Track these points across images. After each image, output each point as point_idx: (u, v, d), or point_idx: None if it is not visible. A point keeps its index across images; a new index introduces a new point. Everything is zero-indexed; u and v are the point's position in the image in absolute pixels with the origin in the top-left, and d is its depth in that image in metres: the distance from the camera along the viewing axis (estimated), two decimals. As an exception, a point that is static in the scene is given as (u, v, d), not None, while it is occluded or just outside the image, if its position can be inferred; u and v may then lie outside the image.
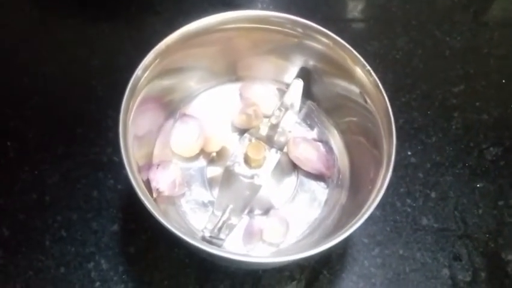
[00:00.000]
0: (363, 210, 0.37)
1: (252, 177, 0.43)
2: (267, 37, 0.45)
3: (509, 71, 0.65)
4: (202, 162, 0.48)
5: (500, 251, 0.52)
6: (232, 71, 0.48)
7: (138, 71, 0.38)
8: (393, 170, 0.38)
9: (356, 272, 0.50)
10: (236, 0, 0.68)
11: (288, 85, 0.48)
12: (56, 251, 0.48)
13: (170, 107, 0.48)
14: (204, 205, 0.45)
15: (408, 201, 0.54)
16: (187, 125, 0.45)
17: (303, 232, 0.45)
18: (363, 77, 0.42)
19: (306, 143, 0.47)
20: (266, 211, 0.45)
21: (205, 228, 0.42)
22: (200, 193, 0.46)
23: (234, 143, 0.47)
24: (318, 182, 0.48)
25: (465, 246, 0.52)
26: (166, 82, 0.44)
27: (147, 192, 0.37)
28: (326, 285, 0.48)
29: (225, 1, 0.67)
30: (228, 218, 0.43)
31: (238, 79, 0.50)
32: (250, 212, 0.45)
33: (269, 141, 0.45)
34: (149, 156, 0.45)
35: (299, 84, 0.48)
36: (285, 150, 0.47)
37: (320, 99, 0.49)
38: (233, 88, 0.50)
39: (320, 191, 0.47)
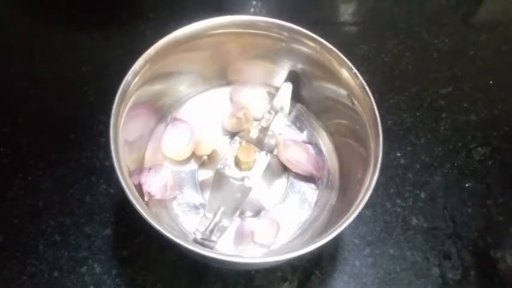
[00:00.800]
0: (351, 210, 0.37)
1: (242, 179, 0.44)
2: (255, 42, 0.45)
3: (495, 73, 0.66)
4: (193, 165, 0.48)
5: (489, 249, 0.53)
6: (223, 75, 0.49)
7: (128, 76, 0.39)
8: (382, 171, 0.39)
9: (347, 272, 0.50)
10: (227, 5, 0.69)
11: (277, 88, 0.49)
12: (50, 256, 0.48)
13: (161, 111, 0.48)
14: (196, 208, 0.46)
15: (398, 201, 0.55)
16: (178, 129, 0.46)
17: (294, 233, 0.45)
18: (349, 79, 0.42)
19: (295, 145, 0.48)
20: (257, 213, 0.46)
21: (197, 230, 0.43)
22: (191, 196, 0.46)
23: (224, 146, 0.47)
24: (308, 184, 0.48)
25: (454, 245, 0.53)
26: (156, 87, 0.44)
27: (138, 196, 0.37)
28: (317, 285, 0.49)
29: (216, 6, 0.68)
30: (220, 220, 0.43)
31: (228, 83, 0.51)
32: (241, 214, 0.45)
33: (259, 143, 0.45)
34: (141, 160, 0.46)
35: (288, 88, 0.48)
36: (275, 152, 0.47)
37: (309, 102, 0.50)
38: (223, 92, 0.51)
39: (310, 192, 0.48)
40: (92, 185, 0.52)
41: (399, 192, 0.55)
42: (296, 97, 0.49)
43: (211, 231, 0.42)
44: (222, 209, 0.43)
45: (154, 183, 0.42)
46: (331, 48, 0.43)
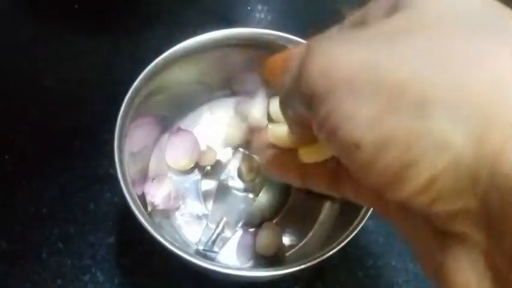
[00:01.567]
0: (354, 224, 0.37)
1: (245, 190, 0.44)
2: (260, 53, 0.46)
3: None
4: (196, 175, 0.48)
5: (492, 261, 0.52)
6: (227, 86, 0.49)
7: (134, 88, 0.39)
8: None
9: (350, 284, 0.50)
10: (231, 15, 0.69)
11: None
12: (53, 263, 0.49)
13: (165, 121, 0.48)
14: (198, 218, 0.46)
15: (401, 213, 0.54)
16: (181, 139, 0.46)
17: (297, 244, 0.45)
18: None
19: None
20: (259, 224, 0.46)
21: (199, 241, 0.43)
22: (194, 206, 0.47)
23: (228, 156, 0.47)
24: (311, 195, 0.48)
25: (457, 257, 0.52)
26: (161, 97, 0.45)
27: (142, 206, 0.37)
28: (319, 297, 0.49)
29: (221, 17, 0.68)
30: (222, 231, 0.43)
31: (232, 94, 0.51)
32: (244, 225, 0.45)
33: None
34: (145, 170, 0.46)
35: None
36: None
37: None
38: (228, 103, 0.51)
39: (313, 203, 0.48)
40: (96, 193, 0.52)
41: (402, 204, 0.55)
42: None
43: (214, 242, 0.43)
44: (225, 219, 0.43)
45: (158, 194, 0.43)
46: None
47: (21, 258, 0.49)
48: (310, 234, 0.46)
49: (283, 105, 0.22)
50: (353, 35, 0.19)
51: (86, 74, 0.61)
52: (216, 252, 0.43)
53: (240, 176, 0.44)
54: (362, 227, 0.37)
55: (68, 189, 0.52)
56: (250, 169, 0.43)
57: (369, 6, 0.21)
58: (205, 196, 0.47)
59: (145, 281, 0.48)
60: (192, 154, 0.46)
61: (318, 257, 0.35)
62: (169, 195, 0.44)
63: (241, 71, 0.48)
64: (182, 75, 0.45)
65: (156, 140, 0.47)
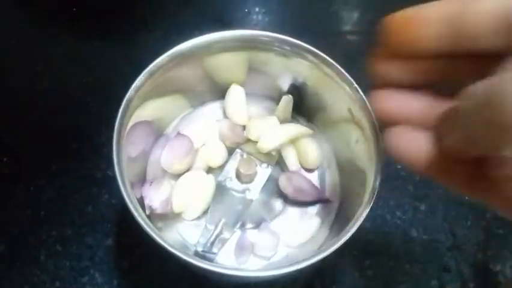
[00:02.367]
0: (351, 224, 0.38)
1: (243, 192, 0.44)
2: (256, 55, 0.46)
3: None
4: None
5: (488, 262, 0.53)
6: (224, 89, 0.49)
7: (131, 92, 0.39)
8: (382, 183, 0.39)
9: (347, 284, 0.50)
10: (228, 18, 0.69)
11: (278, 101, 0.50)
12: (51, 266, 0.49)
13: (163, 124, 0.48)
14: (197, 220, 0.46)
15: (398, 213, 0.55)
16: (177, 142, 0.46)
17: (294, 246, 0.45)
18: (350, 93, 0.43)
19: (296, 176, 0.47)
20: (257, 225, 0.46)
21: (198, 242, 0.43)
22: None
23: (225, 158, 0.47)
24: (309, 196, 0.49)
25: (454, 257, 0.53)
26: (158, 100, 0.45)
27: (140, 208, 0.37)
28: (317, 298, 0.49)
29: (217, 19, 0.69)
30: (221, 232, 0.43)
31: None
32: (242, 226, 0.46)
33: (260, 156, 0.46)
34: (143, 173, 0.46)
35: (289, 100, 0.49)
36: (275, 164, 0.48)
37: (310, 115, 0.50)
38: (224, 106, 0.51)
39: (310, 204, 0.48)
40: (93, 195, 0.53)
41: (399, 205, 0.55)
42: (297, 110, 0.50)
43: (212, 243, 0.43)
44: (223, 220, 0.43)
45: (156, 197, 0.42)
46: (331, 63, 0.43)
47: (19, 261, 0.49)
48: (308, 235, 0.46)
49: (447, 133, 0.22)
50: None
51: (83, 76, 0.61)
52: (214, 253, 0.43)
53: (238, 177, 0.45)
54: (360, 227, 0.37)
55: (66, 192, 0.53)
56: (248, 170, 0.44)
57: None
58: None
59: (143, 283, 0.48)
60: (186, 157, 0.46)
61: (316, 257, 0.35)
62: (167, 200, 0.44)
63: (238, 73, 0.48)
64: (179, 78, 0.45)
65: (154, 143, 0.47)
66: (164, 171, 0.46)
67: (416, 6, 0.26)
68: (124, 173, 0.38)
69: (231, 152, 0.47)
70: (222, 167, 0.46)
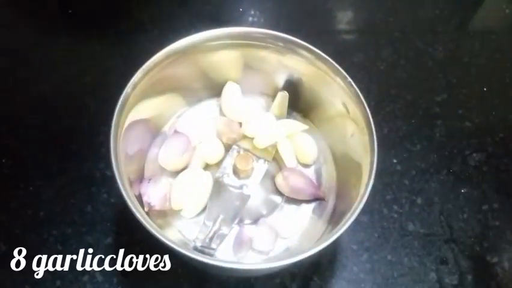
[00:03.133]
0: (348, 216, 0.38)
1: (241, 187, 0.45)
2: (252, 52, 0.46)
3: (489, 79, 0.67)
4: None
5: (485, 254, 0.53)
6: (220, 86, 0.50)
7: (127, 89, 0.40)
8: (379, 178, 0.39)
9: (346, 278, 0.51)
10: (224, 16, 0.70)
11: (274, 97, 0.50)
12: (52, 265, 0.49)
13: (160, 122, 0.49)
14: (195, 216, 0.46)
15: (395, 207, 0.55)
16: (175, 140, 0.46)
17: (292, 240, 0.46)
18: (345, 88, 0.43)
19: (293, 174, 0.48)
20: (255, 220, 0.46)
21: (197, 238, 0.43)
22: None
23: (222, 155, 0.48)
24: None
25: (451, 250, 0.53)
26: (155, 98, 0.45)
27: (139, 205, 0.38)
28: (316, 292, 0.50)
29: (213, 18, 0.69)
30: (219, 228, 0.44)
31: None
32: (240, 221, 0.46)
33: (257, 152, 0.46)
34: (141, 170, 0.46)
35: (285, 96, 0.49)
36: (272, 159, 0.48)
37: (305, 111, 0.51)
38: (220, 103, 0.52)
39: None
40: (93, 194, 0.53)
41: (395, 199, 0.56)
42: (292, 106, 0.50)
43: (211, 239, 0.43)
44: (221, 216, 0.44)
45: (154, 194, 0.43)
46: (326, 58, 0.44)
47: (20, 261, 0.49)
48: (305, 229, 0.47)
49: None
50: None
51: (80, 77, 0.61)
52: (213, 249, 0.43)
53: (235, 173, 0.45)
54: (357, 221, 0.37)
55: (65, 192, 0.53)
56: (246, 166, 0.44)
57: None
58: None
59: (143, 281, 0.48)
60: (183, 155, 0.46)
61: (313, 250, 0.36)
62: (165, 196, 0.44)
63: (233, 70, 0.49)
64: (176, 76, 0.46)
65: (151, 141, 0.48)
66: (162, 169, 0.46)
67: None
68: (122, 170, 0.38)
69: (227, 148, 0.47)
70: (219, 164, 0.47)
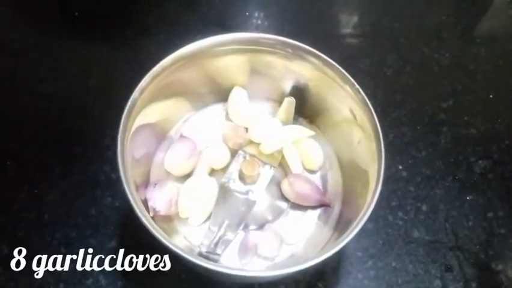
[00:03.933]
0: (354, 225, 0.38)
1: (246, 193, 0.45)
2: (259, 58, 0.46)
3: (495, 86, 0.67)
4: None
5: (490, 261, 0.53)
6: (227, 91, 0.50)
7: (135, 93, 0.40)
8: (384, 184, 0.39)
9: (350, 285, 0.51)
10: (229, 21, 0.70)
11: (281, 103, 0.50)
12: (56, 268, 0.49)
13: (166, 126, 0.49)
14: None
15: (400, 214, 0.55)
16: (181, 145, 0.46)
17: (297, 246, 0.46)
18: (352, 94, 0.43)
19: (299, 180, 0.47)
20: (261, 226, 0.46)
21: (202, 243, 0.43)
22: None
23: (228, 160, 0.48)
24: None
25: (456, 257, 0.53)
26: (162, 103, 0.45)
27: (145, 209, 0.38)
28: (320, 298, 0.49)
29: (219, 22, 0.69)
30: (224, 234, 0.44)
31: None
32: (246, 227, 0.46)
33: (263, 157, 0.46)
34: (147, 174, 0.46)
35: (291, 102, 0.49)
36: (278, 165, 0.48)
37: (312, 117, 0.51)
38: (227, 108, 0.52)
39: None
40: (97, 198, 0.53)
41: (401, 205, 0.56)
42: (299, 111, 0.50)
43: (216, 245, 0.43)
44: (227, 222, 0.44)
45: (159, 199, 0.43)
46: (333, 64, 0.44)
47: (23, 264, 0.49)
48: (311, 236, 0.46)
49: None
50: None
51: (86, 80, 0.61)
52: (218, 254, 0.43)
53: (241, 178, 0.45)
54: (362, 228, 0.37)
55: (69, 194, 0.53)
56: (252, 171, 0.44)
57: None
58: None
59: (147, 285, 0.48)
60: (189, 159, 0.46)
61: (318, 258, 0.35)
62: (170, 201, 0.44)
63: (240, 75, 0.49)
64: (183, 81, 0.46)
65: (158, 145, 0.48)
66: (168, 173, 0.46)
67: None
68: (128, 174, 0.38)
69: (233, 153, 0.47)
70: (225, 169, 0.47)
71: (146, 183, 0.45)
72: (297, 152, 0.48)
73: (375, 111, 0.42)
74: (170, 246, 0.35)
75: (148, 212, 0.42)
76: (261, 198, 0.45)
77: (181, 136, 0.47)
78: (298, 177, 0.47)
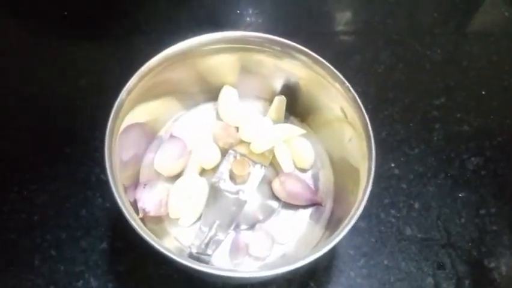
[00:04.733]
0: (345, 223, 0.38)
1: (237, 193, 0.44)
2: (249, 56, 0.46)
3: (488, 83, 0.67)
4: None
5: (483, 258, 0.53)
6: (216, 90, 0.49)
7: (122, 95, 0.39)
8: (376, 182, 0.39)
9: (343, 283, 0.50)
10: (221, 20, 0.69)
11: (271, 102, 0.50)
12: (46, 270, 0.48)
13: (155, 127, 0.48)
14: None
15: (392, 211, 0.55)
16: (171, 144, 0.46)
17: (289, 245, 0.46)
18: (342, 93, 0.43)
19: (290, 178, 0.47)
20: (252, 226, 0.46)
21: (192, 244, 0.43)
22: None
23: (219, 160, 0.47)
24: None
25: (448, 255, 0.53)
26: (150, 103, 0.45)
27: (134, 211, 0.37)
28: (313, 298, 0.49)
29: (210, 21, 0.68)
30: (215, 234, 0.43)
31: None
32: (237, 227, 0.46)
33: (254, 156, 0.46)
34: (136, 175, 0.46)
35: (282, 101, 0.49)
36: (269, 164, 0.48)
37: (303, 115, 0.50)
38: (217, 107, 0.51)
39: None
40: (87, 199, 0.52)
41: (393, 203, 0.55)
42: (290, 110, 0.50)
43: (207, 245, 0.43)
44: (217, 222, 0.43)
45: (149, 200, 0.42)
46: (324, 63, 0.43)
47: (13, 265, 0.48)
48: (302, 235, 0.46)
49: None
50: None
51: (75, 80, 0.61)
52: (209, 255, 0.43)
53: (231, 178, 0.45)
54: (354, 226, 0.37)
55: (60, 196, 0.52)
56: (242, 171, 0.43)
57: None
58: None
59: (138, 286, 0.48)
60: (179, 160, 0.46)
61: (310, 257, 0.35)
62: (160, 202, 0.44)
63: (230, 75, 0.49)
64: (171, 80, 0.45)
65: (147, 146, 0.47)
66: (158, 174, 0.46)
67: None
68: (116, 176, 0.38)
69: (224, 153, 0.47)
70: (215, 169, 0.46)
71: (135, 183, 0.45)
72: (288, 150, 0.48)
73: (367, 109, 0.41)
74: (160, 248, 0.34)
75: (138, 213, 0.42)
76: (252, 198, 0.45)
77: (171, 136, 0.47)
78: (290, 176, 0.47)
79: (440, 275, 0.52)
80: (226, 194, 0.44)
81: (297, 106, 0.50)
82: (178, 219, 0.45)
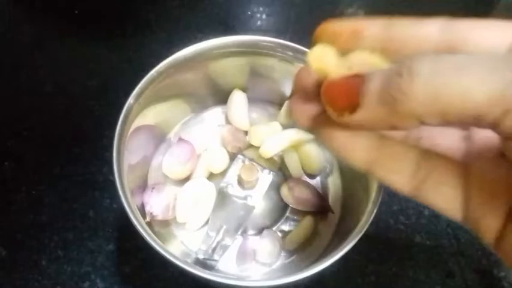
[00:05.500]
0: (355, 232, 0.37)
1: (245, 198, 0.44)
2: (259, 60, 0.45)
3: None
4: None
5: (492, 267, 0.52)
6: (226, 94, 0.49)
7: (130, 100, 0.39)
8: (386, 188, 0.38)
9: (350, 290, 0.50)
10: (232, 21, 0.69)
11: (281, 106, 0.49)
12: (53, 271, 0.48)
13: (164, 129, 0.48)
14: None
15: (402, 218, 0.54)
16: (179, 148, 0.46)
17: (297, 252, 0.45)
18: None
19: (298, 184, 0.47)
20: (259, 231, 0.46)
21: (199, 249, 0.43)
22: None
23: (227, 164, 0.47)
24: (311, 202, 0.48)
25: (458, 263, 0.52)
26: (159, 106, 0.44)
27: (140, 215, 0.37)
28: (319, 304, 0.49)
29: (221, 22, 0.68)
30: (222, 239, 0.43)
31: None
32: (244, 232, 0.45)
33: (262, 161, 0.46)
34: (144, 177, 0.46)
35: (292, 105, 0.48)
36: (277, 170, 0.47)
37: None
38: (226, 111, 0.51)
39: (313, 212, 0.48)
40: (95, 199, 0.52)
41: (402, 210, 0.55)
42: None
43: (214, 250, 0.43)
44: (225, 227, 0.43)
45: (157, 204, 0.42)
46: (334, 68, 0.43)
47: (21, 266, 0.48)
48: (311, 241, 0.46)
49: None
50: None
51: (85, 80, 0.61)
52: (216, 260, 0.43)
53: (239, 183, 0.44)
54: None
55: (68, 196, 0.52)
56: (250, 176, 0.43)
57: None
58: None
59: (144, 288, 0.48)
60: (187, 163, 0.45)
61: (318, 267, 0.35)
62: (168, 206, 0.43)
63: (240, 79, 0.48)
64: (181, 84, 0.45)
65: (155, 149, 0.47)
66: (166, 177, 0.46)
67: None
68: (124, 180, 0.37)
69: (232, 157, 0.47)
70: (223, 173, 0.46)
71: (143, 186, 0.45)
72: (297, 156, 0.47)
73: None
74: (166, 254, 0.34)
75: (145, 216, 0.41)
76: (260, 203, 0.45)
77: (180, 139, 0.47)
78: (298, 182, 0.47)
79: (449, 283, 0.51)
80: (234, 199, 0.44)
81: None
82: (185, 223, 0.44)
